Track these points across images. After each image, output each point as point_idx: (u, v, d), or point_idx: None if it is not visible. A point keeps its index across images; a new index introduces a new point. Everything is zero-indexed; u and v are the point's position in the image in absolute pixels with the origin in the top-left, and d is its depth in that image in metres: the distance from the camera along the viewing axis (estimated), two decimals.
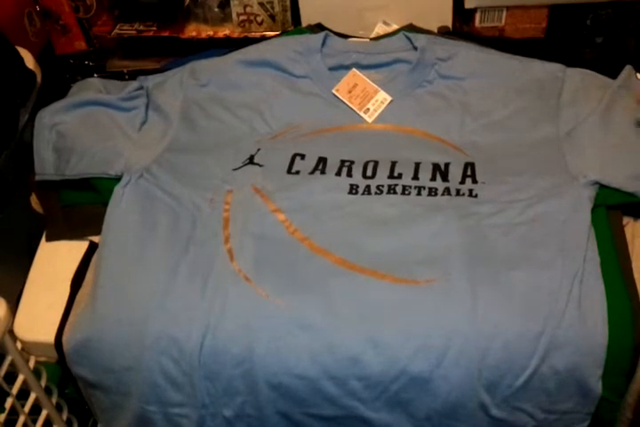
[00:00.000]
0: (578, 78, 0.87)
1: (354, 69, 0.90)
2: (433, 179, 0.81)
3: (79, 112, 0.88)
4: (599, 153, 0.79)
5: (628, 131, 0.81)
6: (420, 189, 0.79)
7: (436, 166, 0.82)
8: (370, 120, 0.88)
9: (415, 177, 0.81)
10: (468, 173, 0.81)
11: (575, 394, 0.69)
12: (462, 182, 0.80)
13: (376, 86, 0.89)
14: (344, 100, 0.89)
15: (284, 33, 1.00)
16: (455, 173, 0.81)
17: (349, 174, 0.81)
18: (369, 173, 0.82)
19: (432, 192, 0.79)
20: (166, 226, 0.78)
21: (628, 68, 0.86)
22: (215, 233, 0.77)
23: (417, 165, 0.82)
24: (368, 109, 0.88)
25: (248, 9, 1.02)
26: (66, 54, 1.09)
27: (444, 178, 0.80)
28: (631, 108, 0.83)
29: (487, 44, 0.93)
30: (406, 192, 0.79)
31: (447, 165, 0.82)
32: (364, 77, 0.89)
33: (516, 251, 0.73)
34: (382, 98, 0.88)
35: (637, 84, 0.86)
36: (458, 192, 0.79)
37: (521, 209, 0.76)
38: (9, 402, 0.73)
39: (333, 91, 0.90)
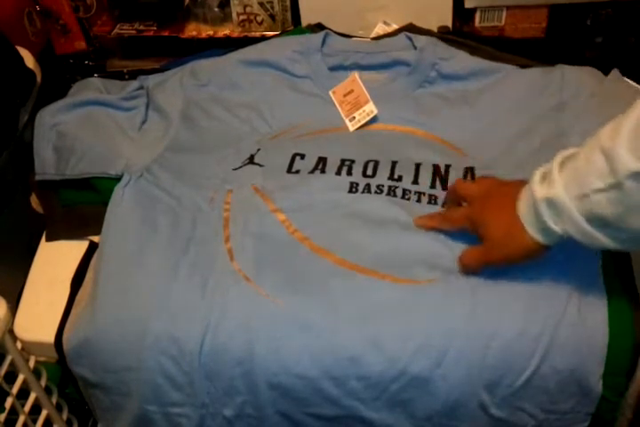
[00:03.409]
0: (576, 76, 0.87)
1: (355, 75, 0.90)
2: (432, 186, 0.80)
3: (79, 112, 0.88)
4: None
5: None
6: (419, 196, 0.79)
7: (436, 169, 0.82)
8: (352, 129, 0.88)
9: (415, 181, 0.80)
10: (468, 177, 0.81)
11: (576, 394, 0.68)
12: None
13: (368, 96, 0.88)
14: (335, 103, 0.89)
15: (284, 33, 1.00)
16: (455, 177, 0.81)
17: (349, 173, 0.81)
18: (369, 172, 0.81)
19: (432, 200, 0.79)
20: (166, 226, 0.78)
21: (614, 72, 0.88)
22: (215, 233, 0.76)
23: (417, 167, 0.82)
24: (354, 118, 0.88)
25: (248, 9, 1.01)
26: (66, 54, 1.09)
27: (444, 185, 0.80)
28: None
29: (487, 44, 0.93)
30: (406, 197, 0.79)
31: (447, 167, 0.82)
32: (362, 85, 0.89)
33: None
34: (369, 110, 0.88)
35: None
36: None
37: None
38: (9, 402, 0.73)
39: (330, 92, 0.90)
